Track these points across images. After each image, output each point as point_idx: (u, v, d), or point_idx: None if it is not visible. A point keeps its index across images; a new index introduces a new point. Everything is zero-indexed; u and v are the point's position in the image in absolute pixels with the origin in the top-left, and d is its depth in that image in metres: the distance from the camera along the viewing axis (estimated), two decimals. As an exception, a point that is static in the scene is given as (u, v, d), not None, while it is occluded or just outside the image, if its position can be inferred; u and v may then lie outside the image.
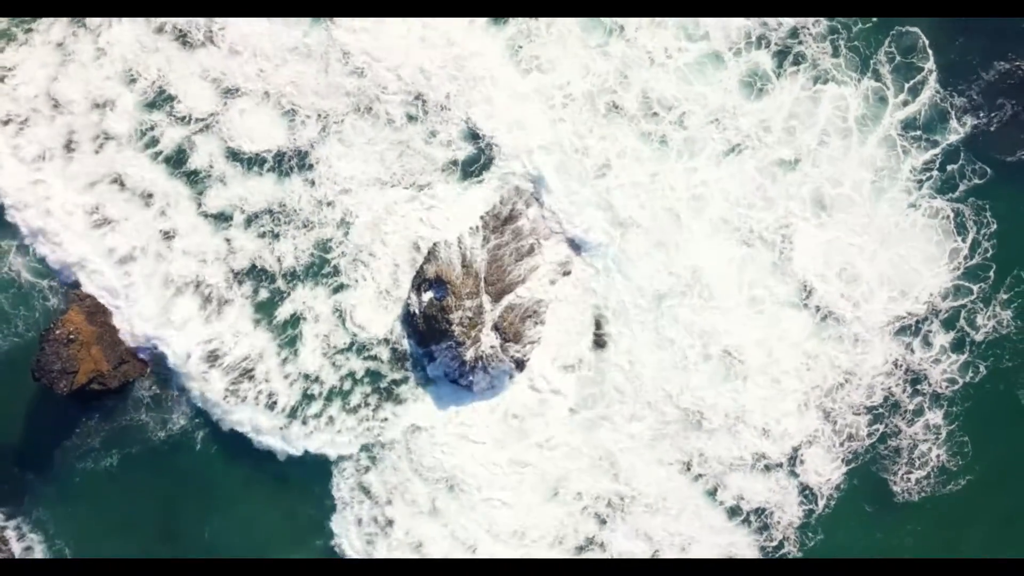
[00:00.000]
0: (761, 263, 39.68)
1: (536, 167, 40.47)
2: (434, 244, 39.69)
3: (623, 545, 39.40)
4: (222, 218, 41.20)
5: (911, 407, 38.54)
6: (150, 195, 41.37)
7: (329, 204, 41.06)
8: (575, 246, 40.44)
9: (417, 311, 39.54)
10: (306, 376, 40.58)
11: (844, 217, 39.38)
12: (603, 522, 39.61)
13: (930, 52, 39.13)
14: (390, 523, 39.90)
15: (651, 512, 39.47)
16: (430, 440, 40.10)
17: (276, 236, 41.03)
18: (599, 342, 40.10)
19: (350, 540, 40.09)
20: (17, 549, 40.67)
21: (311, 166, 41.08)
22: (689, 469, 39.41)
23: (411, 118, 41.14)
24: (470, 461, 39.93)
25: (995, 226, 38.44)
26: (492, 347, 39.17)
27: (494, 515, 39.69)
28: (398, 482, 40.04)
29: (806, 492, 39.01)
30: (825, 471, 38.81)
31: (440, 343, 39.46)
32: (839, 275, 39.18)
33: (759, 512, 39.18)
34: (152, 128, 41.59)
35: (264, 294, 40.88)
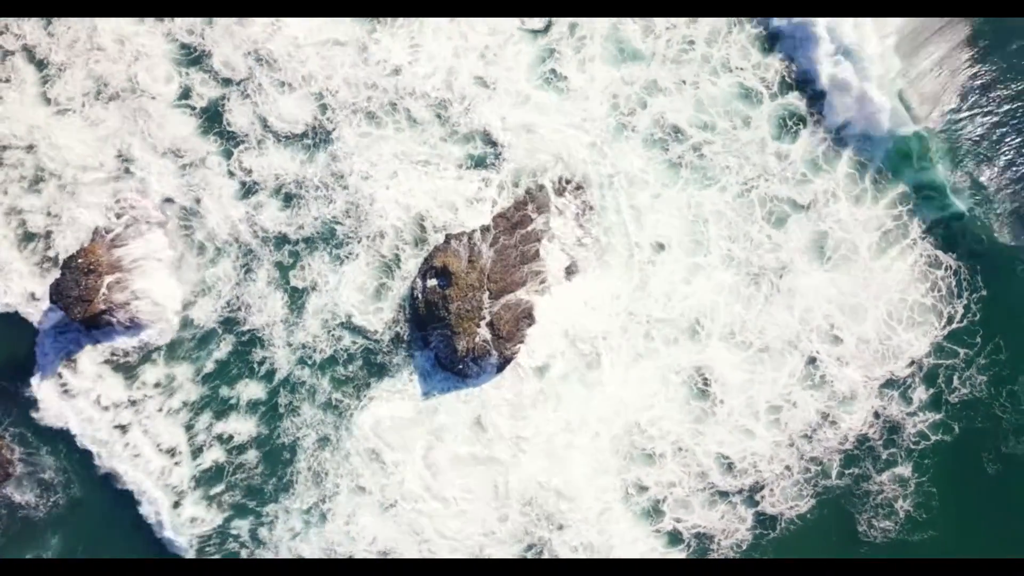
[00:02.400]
0: (754, 301, 40.51)
1: (550, 179, 42.29)
2: (446, 236, 41.42)
3: (562, 552, 39.88)
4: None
5: (884, 456, 38.75)
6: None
7: (344, 186, 43.15)
8: (575, 261, 41.91)
9: (420, 295, 41.15)
10: (304, 345, 42.39)
11: (843, 269, 40.18)
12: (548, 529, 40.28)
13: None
14: (330, 510, 41.25)
15: (588, 525, 39.97)
16: (396, 426, 41.53)
17: (294, 208, 43.29)
18: (587, 352, 41.08)
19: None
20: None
21: (332, 148, 43.40)
22: (639, 492, 39.87)
23: (438, 116, 43.33)
24: (430, 450, 41.12)
25: (985, 292, 38.93)
26: (485, 341, 40.59)
27: (437, 510, 40.77)
28: (351, 468, 41.33)
29: (763, 519, 39.15)
30: (786, 504, 39.03)
31: (436, 328, 41.05)
32: (829, 326, 39.73)
33: (700, 536, 39.37)
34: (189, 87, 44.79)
35: (281, 260, 43.17)
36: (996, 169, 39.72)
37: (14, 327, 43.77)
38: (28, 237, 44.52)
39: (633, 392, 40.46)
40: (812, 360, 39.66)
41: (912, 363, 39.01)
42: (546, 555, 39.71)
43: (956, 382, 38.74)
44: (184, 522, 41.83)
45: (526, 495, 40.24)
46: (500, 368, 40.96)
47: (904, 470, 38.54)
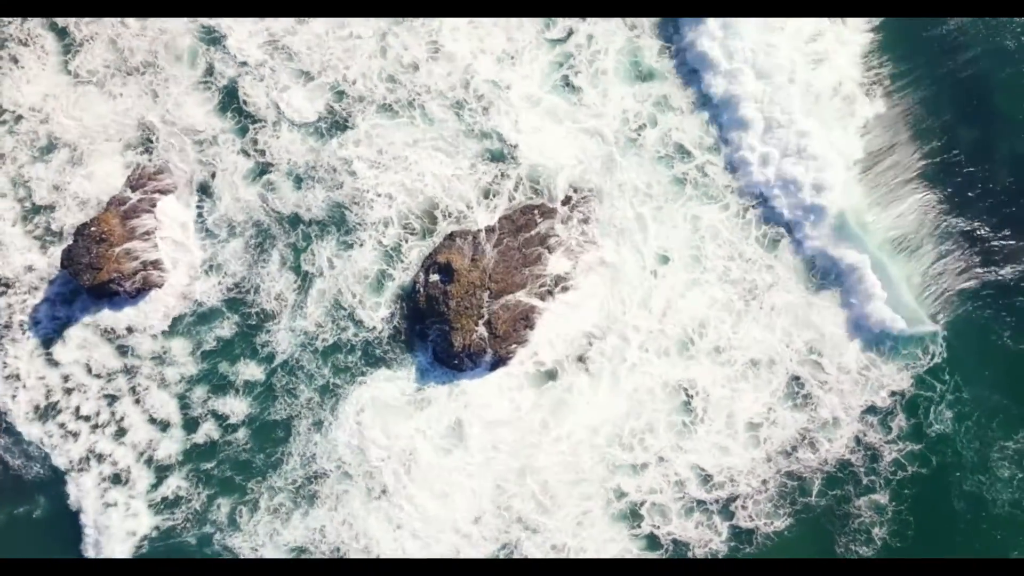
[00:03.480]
0: (744, 318, 41.41)
1: (557, 187, 43.35)
2: (451, 233, 42.45)
3: (536, 554, 40.39)
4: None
5: (865, 482, 39.24)
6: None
7: (352, 172, 44.13)
8: (576, 268, 42.76)
9: (421, 289, 42.06)
10: (305, 332, 43.19)
11: (826, 296, 41.14)
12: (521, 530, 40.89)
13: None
14: (315, 495, 41.85)
15: (564, 527, 40.50)
16: (385, 417, 42.24)
17: (305, 190, 44.23)
18: (580, 358, 41.93)
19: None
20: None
21: (344, 134, 44.56)
22: (618, 498, 40.42)
23: (456, 115, 44.49)
24: (413, 445, 41.73)
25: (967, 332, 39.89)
26: (481, 339, 41.46)
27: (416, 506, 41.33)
28: (339, 455, 42.01)
29: (738, 533, 39.68)
30: (761, 518, 39.61)
31: (435, 323, 41.93)
32: (808, 350, 40.58)
33: (676, 543, 39.84)
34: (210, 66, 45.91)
35: (292, 242, 44.18)
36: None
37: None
38: (34, 209, 45.32)
39: (621, 401, 41.16)
40: (796, 378, 40.43)
41: (893, 394, 39.77)
42: (516, 555, 40.28)
43: (934, 415, 39.48)
44: (168, 497, 42.55)
45: (503, 496, 40.88)
46: (494, 367, 41.78)
47: (881, 497, 39.00)
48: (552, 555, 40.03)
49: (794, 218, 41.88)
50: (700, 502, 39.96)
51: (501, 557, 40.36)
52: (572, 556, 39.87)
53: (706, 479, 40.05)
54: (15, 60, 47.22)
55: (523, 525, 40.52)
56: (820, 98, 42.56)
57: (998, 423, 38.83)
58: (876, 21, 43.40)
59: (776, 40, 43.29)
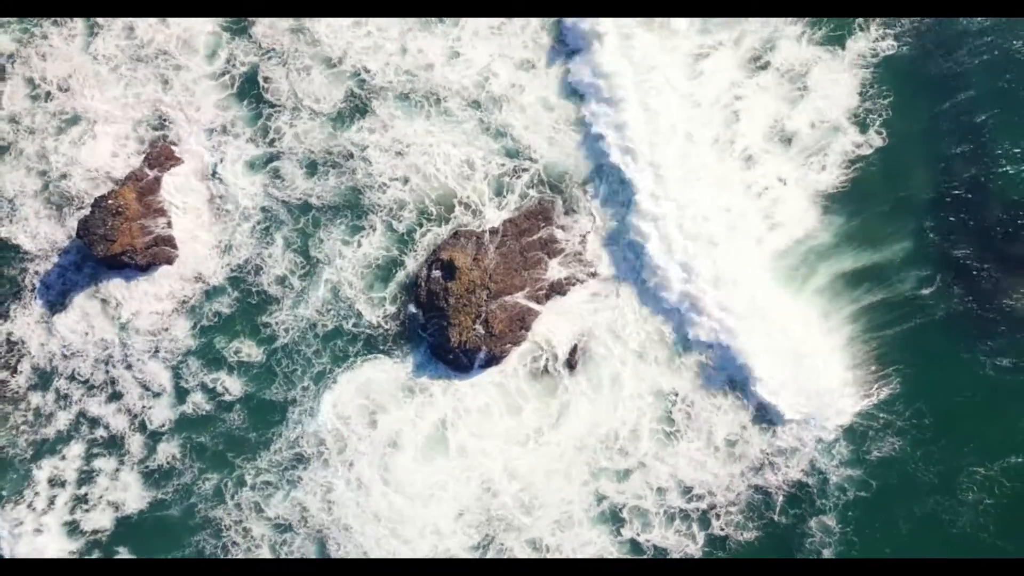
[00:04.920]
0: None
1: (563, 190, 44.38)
2: (456, 231, 43.61)
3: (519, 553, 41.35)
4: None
5: (817, 503, 40.10)
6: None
7: (366, 159, 45.17)
8: (574, 275, 43.74)
9: (423, 283, 43.14)
10: (307, 318, 44.19)
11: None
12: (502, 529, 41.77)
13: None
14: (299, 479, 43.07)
15: (545, 527, 41.41)
16: (370, 403, 43.40)
17: (319, 176, 45.27)
18: (571, 363, 42.80)
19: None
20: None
21: (363, 121, 45.61)
22: (600, 501, 41.33)
23: (475, 113, 45.47)
24: (400, 439, 42.78)
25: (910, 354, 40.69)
26: (477, 336, 42.37)
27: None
28: (325, 440, 43.20)
29: (713, 540, 40.58)
30: (732, 528, 40.48)
31: (434, 317, 43.02)
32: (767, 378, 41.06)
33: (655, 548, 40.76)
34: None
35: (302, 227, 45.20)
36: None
37: (11, 261, 46.13)
38: (51, 180, 46.47)
39: (610, 407, 41.98)
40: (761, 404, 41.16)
41: (839, 426, 40.43)
42: (491, 554, 41.21)
43: (875, 442, 40.19)
44: (160, 465, 43.72)
45: (486, 496, 41.84)
46: (487, 364, 42.74)
47: (829, 520, 39.82)
48: (531, 552, 41.03)
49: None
50: (681, 510, 40.88)
51: (480, 554, 41.38)
52: (551, 555, 40.92)
53: (686, 489, 40.90)
54: (45, 37, 48.42)
55: (505, 523, 41.48)
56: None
57: (967, 450, 39.68)
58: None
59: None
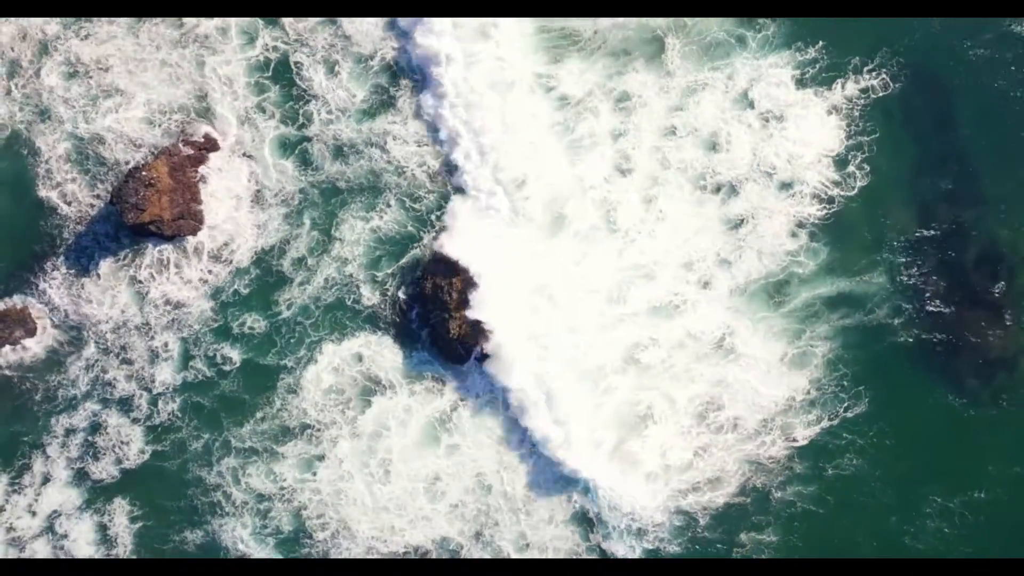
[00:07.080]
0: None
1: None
2: (461, 230, 45.40)
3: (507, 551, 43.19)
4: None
5: (753, 519, 41.88)
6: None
7: (382, 148, 46.51)
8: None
9: (429, 276, 44.79)
10: (317, 297, 46.17)
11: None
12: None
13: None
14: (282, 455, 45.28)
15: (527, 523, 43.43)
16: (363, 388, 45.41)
17: (347, 161, 46.69)
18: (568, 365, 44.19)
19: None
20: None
21: (388, 115, 46.85)
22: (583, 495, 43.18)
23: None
24: (387, 432, 44.74)
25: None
26: (475, 331, 43.95)
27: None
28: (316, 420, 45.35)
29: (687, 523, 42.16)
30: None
31: (434, 309, 44.73)
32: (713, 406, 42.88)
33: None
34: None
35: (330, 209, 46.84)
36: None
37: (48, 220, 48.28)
38: (86, 146, 48.18)
39: (599, 412, 43.56)
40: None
41: (791, 447, 41.91)
42: (483, 543, 43.15)
43: (834, 457, 41.76)
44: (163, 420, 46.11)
45: (467, 493, 43.82)
46: (482, 360, 44.22)
47: (770, 536, 41.55)
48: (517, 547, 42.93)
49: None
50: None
51: (469, 543, 43.30)
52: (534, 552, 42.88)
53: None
54: (89, 20, 49.16)
55: (493, 520, 43.44)
56: None
57: (928, 476, 41.29)
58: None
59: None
